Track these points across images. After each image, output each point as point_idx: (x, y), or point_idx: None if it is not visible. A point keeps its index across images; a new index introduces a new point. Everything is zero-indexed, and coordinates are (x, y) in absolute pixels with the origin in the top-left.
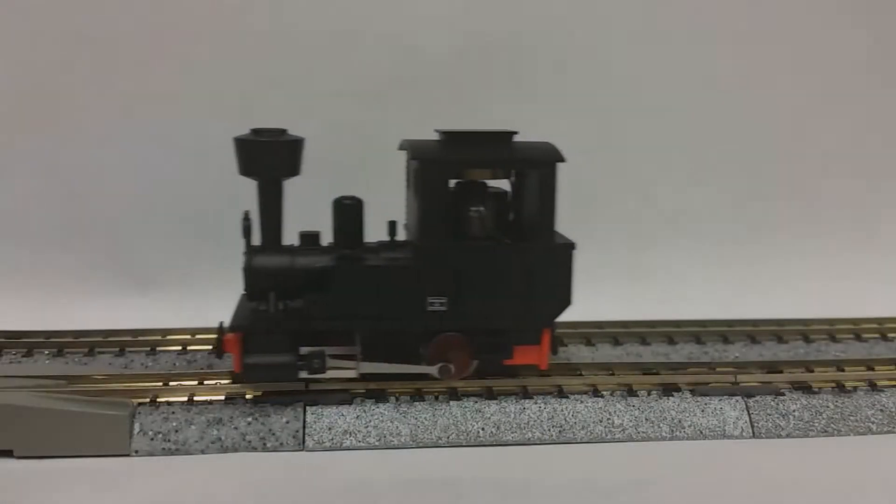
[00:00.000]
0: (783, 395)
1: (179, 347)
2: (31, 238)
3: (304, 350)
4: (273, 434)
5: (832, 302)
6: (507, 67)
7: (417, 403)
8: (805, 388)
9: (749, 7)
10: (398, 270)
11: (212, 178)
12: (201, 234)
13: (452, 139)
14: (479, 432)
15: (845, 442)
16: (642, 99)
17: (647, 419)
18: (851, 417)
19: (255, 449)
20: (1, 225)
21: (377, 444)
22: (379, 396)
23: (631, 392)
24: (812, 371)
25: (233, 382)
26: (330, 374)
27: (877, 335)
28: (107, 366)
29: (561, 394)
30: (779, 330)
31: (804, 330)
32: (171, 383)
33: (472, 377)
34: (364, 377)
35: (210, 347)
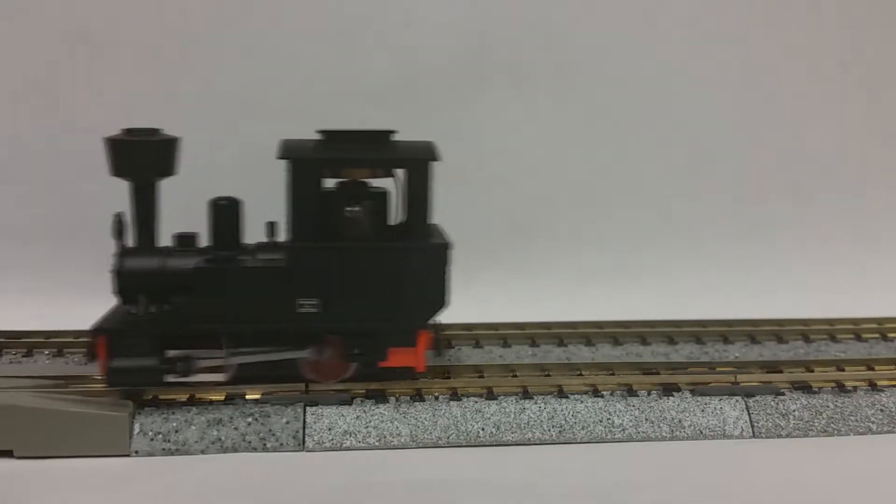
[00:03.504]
0: (783, 394)
1: None
2: (32, 238)
3: (171, 353)
4: (273, 434)
5: (832, 302)
6: (508, 68)
7: (417, 404)
8: (805, 388)
9: (749, 8)
10: (266, 272)
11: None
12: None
13: (329, 139)
14: (479, 432)
15: (845, 442)
16: (642, 99)
17: (647, 419)
18: (851, 417)
19: (255, 449)
20: (1, 225)
21: (377, 444)
22: (379, 397)
23: (631, 392)
24: (812, 371)
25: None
26: (199, 377)
27: (877, 335)
28: None
29: (561, 394)
30: (779, 330)
31: (804, 330)
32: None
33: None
34: (237, 379)
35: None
